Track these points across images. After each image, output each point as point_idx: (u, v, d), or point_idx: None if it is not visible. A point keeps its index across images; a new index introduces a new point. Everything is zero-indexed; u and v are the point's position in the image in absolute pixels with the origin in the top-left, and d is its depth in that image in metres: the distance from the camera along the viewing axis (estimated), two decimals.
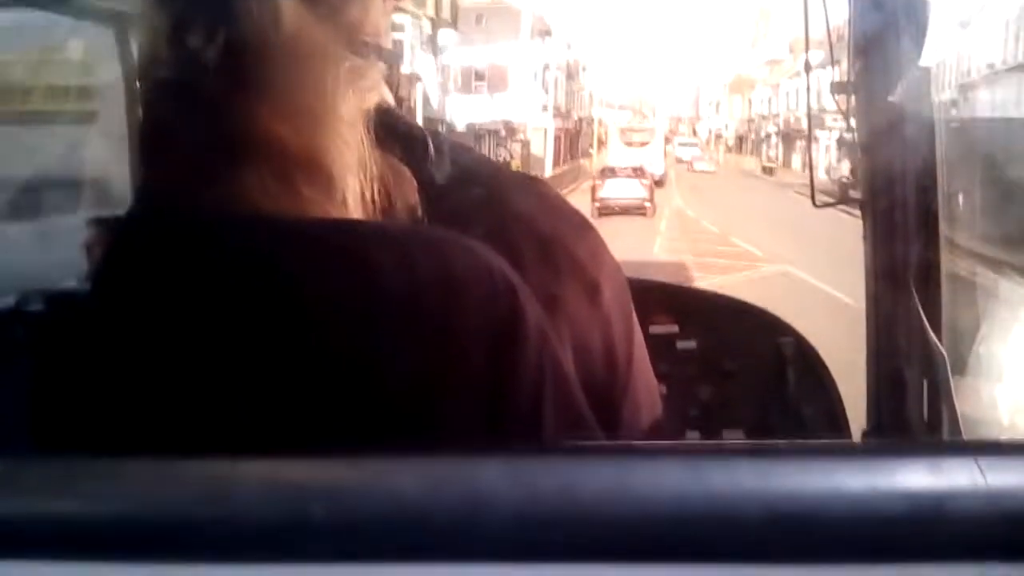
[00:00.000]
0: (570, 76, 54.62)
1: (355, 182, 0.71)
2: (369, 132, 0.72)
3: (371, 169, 0.72)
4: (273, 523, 0.51)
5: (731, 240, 19.35)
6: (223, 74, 0.68)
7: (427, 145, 0.77)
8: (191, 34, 0.68)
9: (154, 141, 0.73)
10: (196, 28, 0.68)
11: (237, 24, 0.68)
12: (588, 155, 57.07)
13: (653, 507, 0.52)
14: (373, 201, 0.72)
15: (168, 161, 0.71)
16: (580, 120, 60.05)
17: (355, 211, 0.71)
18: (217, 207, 0.69)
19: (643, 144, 50.40)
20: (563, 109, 52.18)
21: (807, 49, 1.62)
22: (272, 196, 0.69)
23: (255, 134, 0.69)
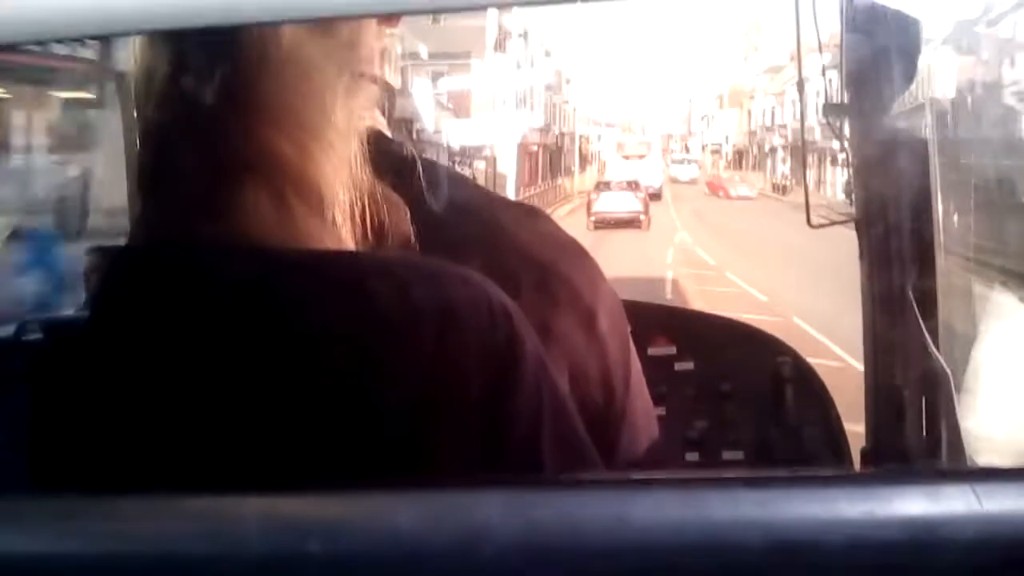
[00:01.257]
0: (550, 88, 49.81)
1: (346, 200, 0.70)
2: (362, 153, 0.72)
3: (363, 190, 0.71)
4: (271, 558, 0.51)
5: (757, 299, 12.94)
6: (220, 90, 0.68)
7: (418, 172, 0.77)
8: (191, 60, 0.69)
9: (152, 167, 0.73)
10: (196, 54, 0.69)
11: (237, 41, 0.69)
12: (571, 174, 52.31)
13: (653, 538, 0.52)
14: (364, 225, 0.72)
15: (165, 185, 0.72)
16: (562, 135, 54.42)
17: (345, 232, 0.71)
18: (213, 230, 0.69)
19: (640, 157, 49.02)
20: (541, 123, 45.99)
21: (799, 66, 1.63)
22: (264, 214, 0.69)
23: (250, 149, 0.69)
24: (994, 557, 0.51)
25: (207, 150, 0.70)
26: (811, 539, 0.52)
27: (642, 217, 27.22)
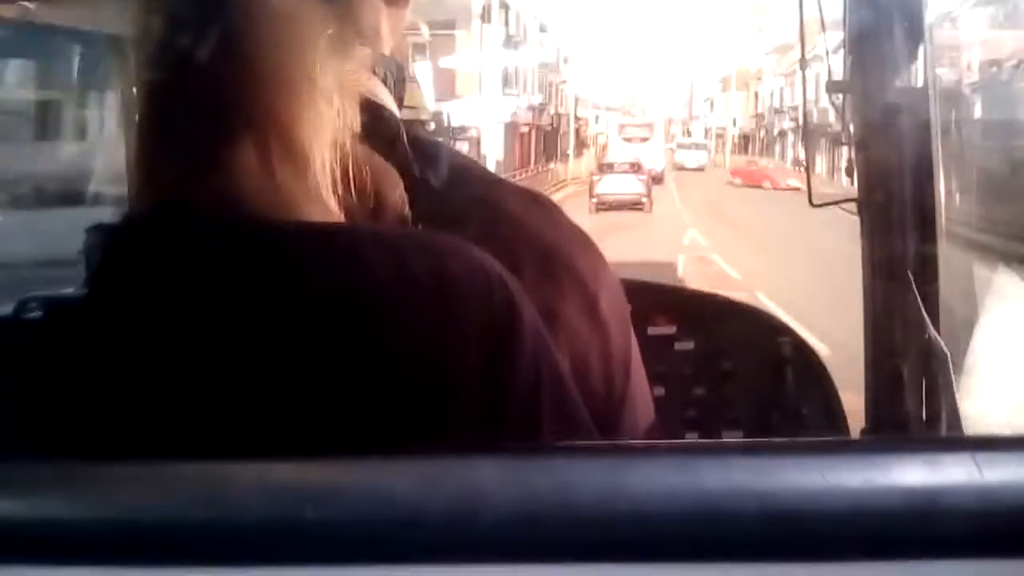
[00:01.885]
0: (545, 66, 45.75)
1: (328, 163, 0.70)
2: (351, 118, 0.71)
3: (348, 154, 0.71)
4: (267, 525, 0.51)
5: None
6: (211, 45, 0.68)
7: (401, 139, 0.76)
8: (183, 16, 0.68)
9: (147, 138, 0.73)
10: (188, 13, 0.68)
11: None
12: (566, 157, 48.34)
13: (649, 506, 0.51)
14: (351, 191, 0.71)
15: (163, 150, 0.71)
16: (558, 116, 49.70)
17: (327, 193, 0.70)
18: (205, 194, 0.69)
19: (643, 140, 46.21)
20: (534, 103, 42.10)
21: (803, 46, 1.62)
22: (254, 175, 0.68)
23: (241, 106, 0.69)
24: (994, 526, 0.51)
25: (200, 108, 0.69)
26: (808, 508, 0.51)
27: (644, 200, 27.17)
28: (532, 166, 39.85)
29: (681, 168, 50.06)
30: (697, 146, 59.05)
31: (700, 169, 50.51)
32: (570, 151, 49.83)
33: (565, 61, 53.68)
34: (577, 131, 54.97)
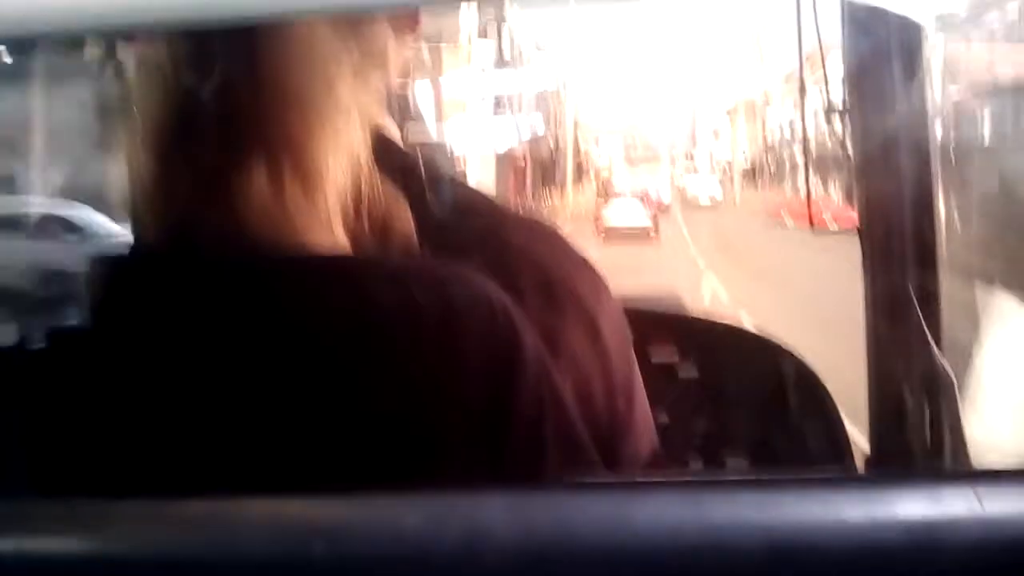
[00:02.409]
0: (541, 88, 41.19)
1: (342, 184, 0.71)
2: (367, 148, 0.72)
3: (363, 178, 0.71)
4: (274, 561, 0.51)
5: None
6: (232, 67, 0.69)
7: (421, 174, 0.77)
8: (211, 42, 0.69)
9: (167, 156, 0.73)
10: (217, 38, 0.69)
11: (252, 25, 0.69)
12: (565, 189, 43.71)
13: (654, 541, 0.52)
14: (362, 216, 0.72)
15: (179, 174, 0.72)
16: (557, 146, 45.75)
17: (337, 219, 0.71)
18: (214, 219, 0.69)
19: (648, 165, 47.12)
20: (529, 130, 36.97)
21: (801, 73, 1.63)
22: (263, 200, 0.69)
23: (258, 125, 0.69)
24: (996, 559, 0.51)
25: (213, 133, 0.70)
26: (812, 542, 0.52)
27: (652, 234, 26.89)
28: (519, 199, 34.10)
29: (692, 204, 42.80)
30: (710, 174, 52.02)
31: (714, 205, 43.96)
32: (569, 182, 44.96)
33: (564, 86, 49.80)
34: (579, 164, 50.78)
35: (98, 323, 0.75)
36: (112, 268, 0.76)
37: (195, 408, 0.68)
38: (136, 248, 0.74)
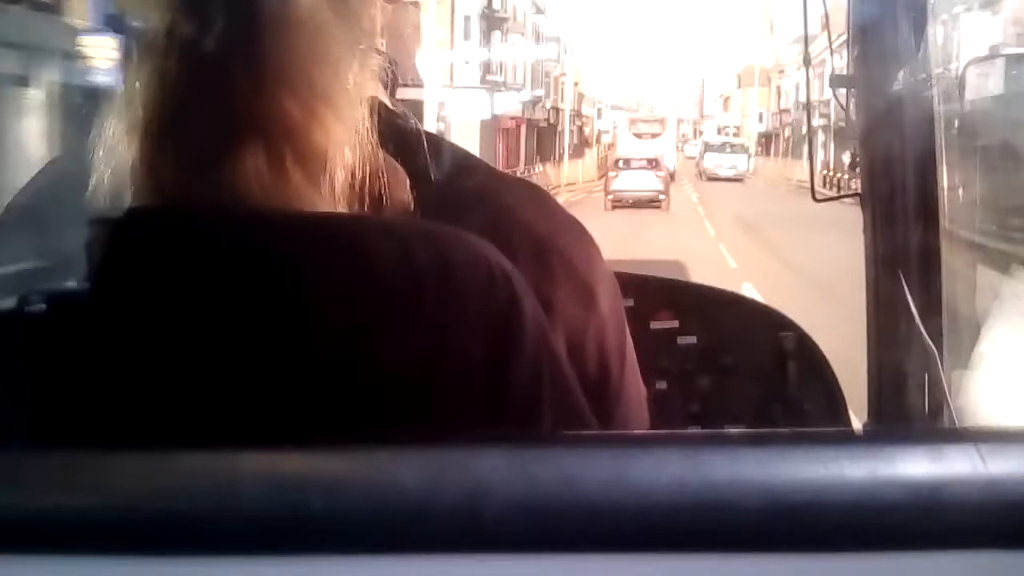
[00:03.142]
0: (539, 49, 39.05)
1: (347, 165, 0.70)
2: (369, 121, 0.72)
3: (368, 157, 0.71)
4: (271, 516, 0.51)
5: None
6: (233, 46, 0.68)
7: (421, 141, 0.77)
8: (198, 15, 0.68)
9: (159, 132, 0.72)
10: (214, 13, 0.68)
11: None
12: (561, 161, 40.15)
13: (653, 497, 0.52)
14: (364, 192, 0.71)
15: (171, 152, 0.71)
16: (556, 112, 42.84)
17: (340, 195, 0.71)
18: (212, 189, 0.69)
19: (654, 136, 43.67)
20: (525, 95, 35.54)
21: (806, 42, 1.62)
22: (262, 179, 0.68)
23: (256, 112, 0.69)
24: (998, 518, 0.51)
25: (213, 109, 0.69)
26: (812, 499, 0.51)
27: (661, 197, 26.48)
28: (517, 169, 32.71)
29: (713, 178, 38.84)
30: (732, 147, 44.43)
31: (739, 179, 39.09)
32: (565, 152, 42.12)
33: (566, 52, 46.75)
34: (580, 129, 49.18)
35: (96, 285, 0.74)
36: (112, 234, 0.75)
37: (195, 366, 0.68)
38: (137, 211, 0.74)
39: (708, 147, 46.32)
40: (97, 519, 0.52)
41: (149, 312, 0.69)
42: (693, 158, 52.27)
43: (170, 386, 0.67)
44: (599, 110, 56.76)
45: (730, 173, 41.24)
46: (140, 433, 0.66)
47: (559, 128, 44.20)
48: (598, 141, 51.88)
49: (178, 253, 0.70)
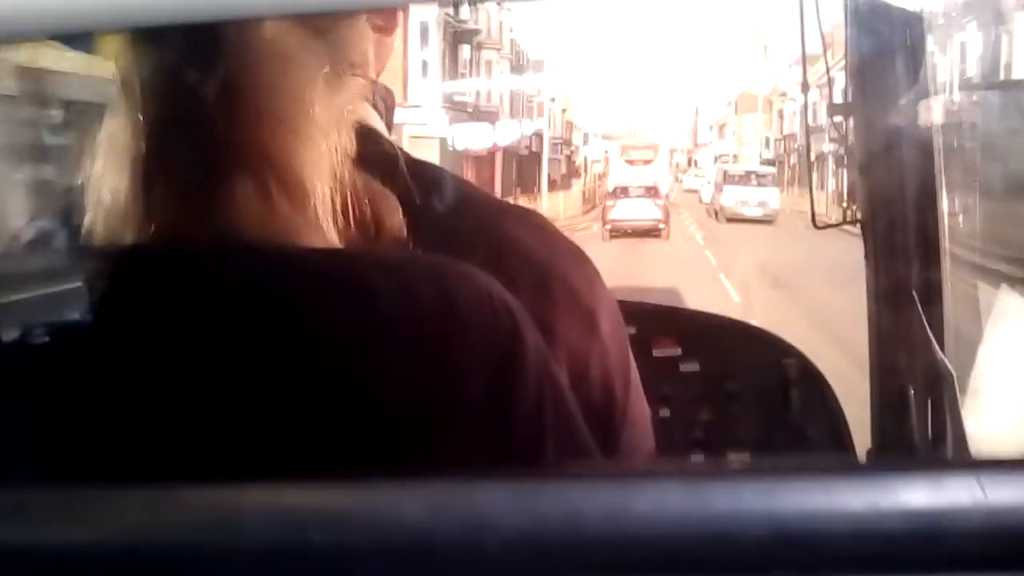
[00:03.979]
0: (516, 69, 34.67)
1: (327, 194, 0.70)
2: (347, 148, 0.72)
3: (346, 184, 0.71)
4: (273, 549, 0.51)
5: None
6: (204, 84, 0.69)
7: (399, 165, 0.77)
8: (182, 56, 0.69)
9: (147, 169, 0.73)
10: (187, 52, 0.69)
11: (219, 35, 0.69)
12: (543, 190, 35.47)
13: (657, 530, 0.52)
14: (351, 219, 0.71)
15: (160, 187, 0.72)
16: (539, 141, 37.41)
17: (332, 226, 0.71)
18: (205, 227, 0.69)
19: (646, 162, 40.91)
20: (501, 122, 30.95)
21: (804, 69, 1.63)
22: (253, 210, 0.69)
23: (238, 144, 0.69)
24: (999, 548, 0.51)
25: (195, 145, 0.70)
26: (814, 530, 0.51)
27: (661, 226, 25.38)
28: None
29: (737, 218, 29.06)
30: (759, 178, 33.10)
31: (768, 220, 28.57)
32: (543, 183, 36.94)
33: (551, 72, 41.79)
34: (569, 158, 44.77)
35: (98, 321, 0.74)
36: (111, 268, 0.75)
37: (196, 402, 0.68)
38: (136, 248, 0.74)
39: (728, 178, 32.62)
40: (99, 554, 0.52)
41: (149, 350, 0.69)
42: (693, 191, 44.15)
43: (171, 421, 0.67)
44: (585, 136, 50.15)
45: (757, 212, 28.89)
46: (142, 469, 0.66)
47: (542, 159, 37.84)
48: (586, 171, 46.66)
49: (177, 290, 0.70)
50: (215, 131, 0.69)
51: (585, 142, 49.91)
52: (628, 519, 0.51)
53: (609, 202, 27.31)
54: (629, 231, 24.43)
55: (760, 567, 0.51)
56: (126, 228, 0.72)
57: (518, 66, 36.27)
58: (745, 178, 32.41)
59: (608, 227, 24.86)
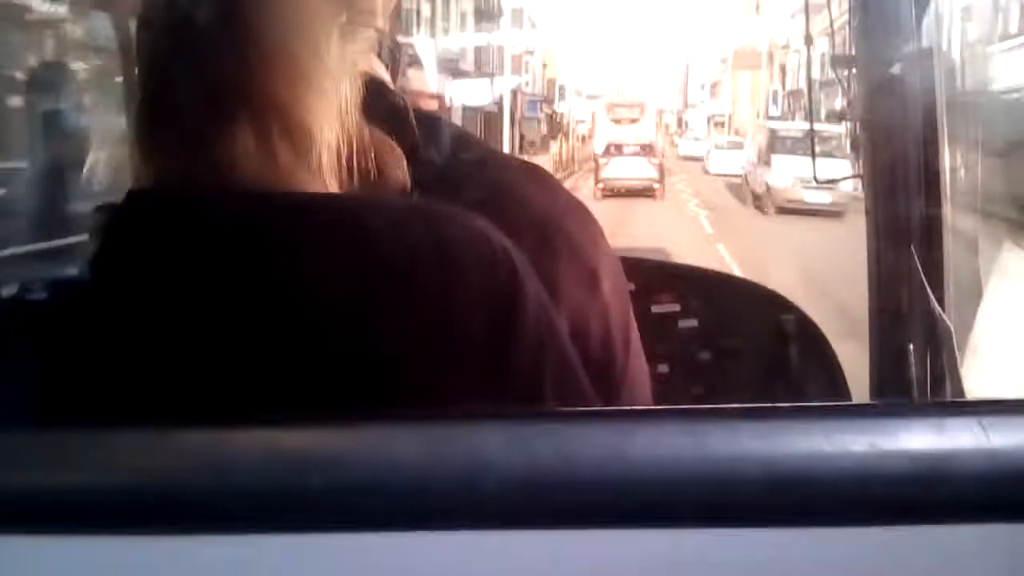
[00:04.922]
0: (485, 19, 30.31)
1: (333, 141, 0.70)
2: (356, 98, 0.72)
3: (352, 134, 0.71)
4: (271, 492, 0.51)
5: None
6: (216, 28, 0.68)
7: (409, 118, 0.76)
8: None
9: (149, 113, 0.72)
10: None
11: None
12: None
13: (653, 471, 0.51)
14: (355, 170, 0.71)
15: (161, 131, 0.71)
16: (518, 99, 32.81)
17: (334, 175, 0.71)
18: (204, 173, 0.69)
19: (632, 121, 37.73)
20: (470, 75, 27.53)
21: (807, 22, 1.62)
22: (252, 156, 0.68)
23: (244, 88, 0.69)
24: (1001, 491, 0.51)
25: (202, 88, 0.69)
26: (813, 472, 0.51)
27: (656, 185, 24.85)
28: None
29: (795, 207, 18.06)
30: (824, 143, 12.47)
31: (837, 212, 16.21)
32: (506, 145, 29.23)
33: (534, 26, 37.98)
34: (551, 117, 40.72)
35: (95, 272, 0.74)
36: (111, 213, 0.75)
37: (196, 345, 0.68)
38: (131, 199, 0.73)
39: (775, 140, 20.91)
40: (96, 498, 0.52)
41: (148, 295, 0.69)
42: (693, 159, 37.27)
43: (171, 365, 0.67)
44: (561, 89, 43.29)
45: (824, 200, 16.93)
46: (141, 412, 0.65)
47: (519, 116, 32.54)
48: (565, 133, 41.21)
49: (176, 235, 0.70)
50: (223, 74, 0.68)
51: (562, 96, 43.11)
52: (625, 460, 0.51)
53: (602, 160, 26.49)
54: (623, 191, 23.63)
55: (759, 510, 0.51)
56: (131, 170, 0.72)
57: (486, 11, 31.13)
58: (795, 146, 19.32)
59: (600, 186, 24.10)
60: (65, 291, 0.75)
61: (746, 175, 21.40)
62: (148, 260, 0.70)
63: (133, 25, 0.74)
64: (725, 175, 27.33)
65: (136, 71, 0.73)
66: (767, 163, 19.60)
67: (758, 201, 19.86)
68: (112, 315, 0.70)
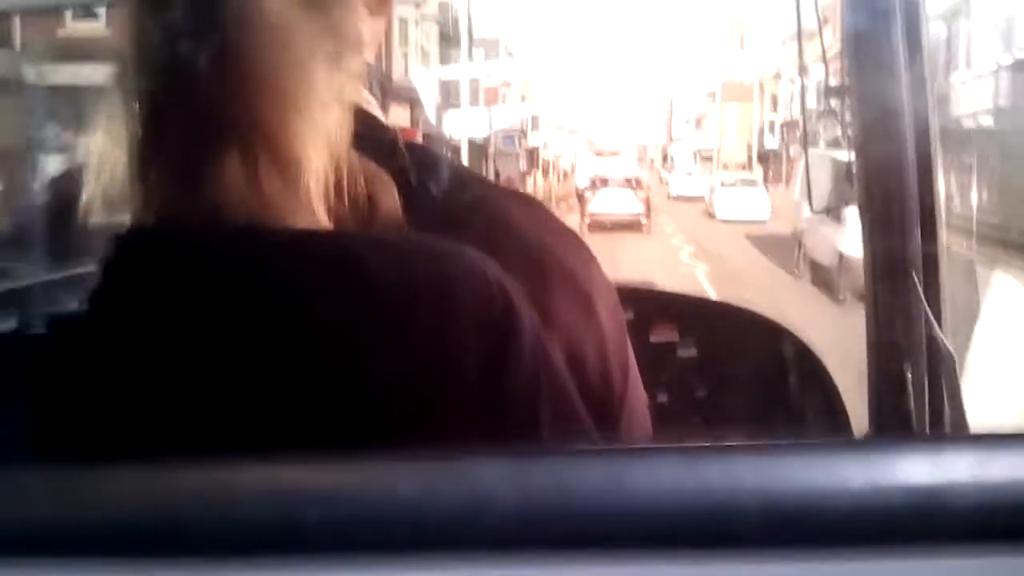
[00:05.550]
0: (445, 39, 28.14)
1: (321, 169, 0.70)
2: (344, 128, 0.72)
3: (342, 163, 0.71)
4: (269, 527, 0.51)
5: None
6: (205, 59, 0.68)
7: (399, 147, 0.76)
8: (182, 27, 0.68)
9: (144, 146, 0.73)
10: (182, 20, 0.68)
11: (220, 6, 0.69)
12: None
13: (652, 506, 0.51)
14: (344, 200, 0.71)
15: (155, 165, 0.71)
16: (492, 138, 28.99)
17: (319, 201, 0.70)
18: (193, 203, 0.69)
19: (613, 154, 39.48)
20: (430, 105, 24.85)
21: (800, 51, 1.63)
22: (239, 188, 0.68)
23: (232, 118, 0.69)
24: (997, 524, 0.51)
25: (190, 120, 0.69)
26: (811, 506, 0.51)
27: (643, 220, 24.48)
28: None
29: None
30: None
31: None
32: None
33: (510, 55, 35.72)
34: (531, 153, 37.25)
35: (94, 304, 0.74)
36: (106, 252, 0.75)
37: (192, 382, 0.68)
38: (133, 229, 0.74)
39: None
40: (94, 533, 0.52)
41: (146, 331, 0.69)
42: (688, 199, 33.38)
43: (168, 401, 0.67)
44: (534, 120, 39.24)
45: None
46: (138, 449, 0.65)
47: (490, 149, 28.94)
48: (541, 167, 38.66)
49: (173, 272, 0.70)
50: (211, 106, 0.68)
51: (534, 127, 39.17)
52: (624, 495, 0.51)
53: (588, 193, 25.96)
54: (609, 225, 22.99)
55: (757, 544, 0.51)
56: (123, 208, 0.72)
57: (453, 37, 28.15)
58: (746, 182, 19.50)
59: (587, 220, 23.28)
60: (58, 329, 0.75)
61: (800, 233, 14.23)
62: (141, 297, 0.70)
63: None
64: (738, 221, 22.92)
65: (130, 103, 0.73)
66: (838, 218, 8.40)
67: (821, 275, 12.18)
68: (107, 351, 0.70)
